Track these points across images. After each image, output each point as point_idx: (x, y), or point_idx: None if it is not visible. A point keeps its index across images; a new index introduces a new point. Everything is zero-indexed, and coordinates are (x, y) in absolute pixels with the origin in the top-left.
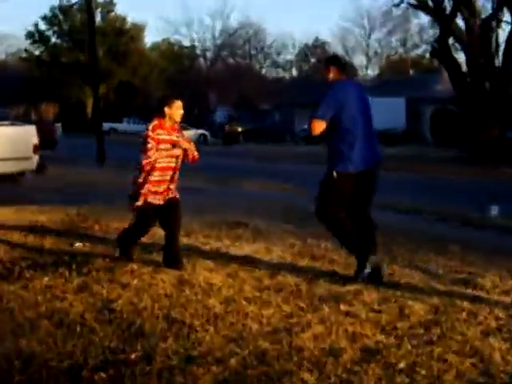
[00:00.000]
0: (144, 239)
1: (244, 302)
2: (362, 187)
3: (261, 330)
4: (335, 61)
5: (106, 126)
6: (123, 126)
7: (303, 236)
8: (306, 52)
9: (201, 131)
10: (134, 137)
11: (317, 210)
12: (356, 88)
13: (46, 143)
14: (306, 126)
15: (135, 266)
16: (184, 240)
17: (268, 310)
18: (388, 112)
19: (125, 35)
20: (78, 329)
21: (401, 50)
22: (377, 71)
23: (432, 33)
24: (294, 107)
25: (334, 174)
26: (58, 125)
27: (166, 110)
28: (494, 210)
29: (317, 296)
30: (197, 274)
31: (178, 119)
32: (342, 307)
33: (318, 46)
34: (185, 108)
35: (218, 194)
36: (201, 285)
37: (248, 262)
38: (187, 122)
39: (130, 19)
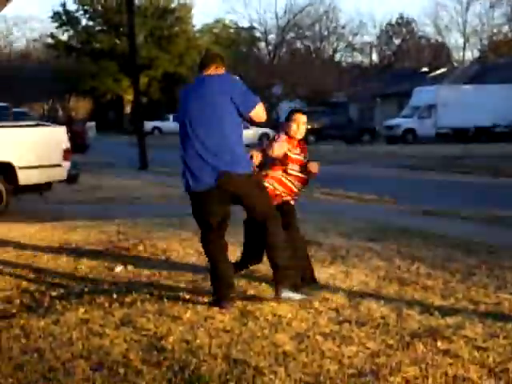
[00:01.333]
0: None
1: (319, 338)
2: (206, 210)
3: (341, 373)
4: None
5: (149, 125)
6: (169, 125)
7: (390, 257)
8: (388, 32)
9: (262, 130)
10: None
11: None
12: (197, 85)
13: (76, 146)
14: (390, 123)
15: (187, 296)
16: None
17: (349, 347)
18: (494, 102)
19: (169, 16)
20: (122, 371)
21: (506, 28)
22: (477, 54)
23: None
24: (374, 99)
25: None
26: (92, 124)
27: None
28: None
29: (408, 331)
30: (262, 304)
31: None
32: (440, 345)
33: (402, 24)
34: None
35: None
36: (267, 317)
37: (323, 289)
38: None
39: None
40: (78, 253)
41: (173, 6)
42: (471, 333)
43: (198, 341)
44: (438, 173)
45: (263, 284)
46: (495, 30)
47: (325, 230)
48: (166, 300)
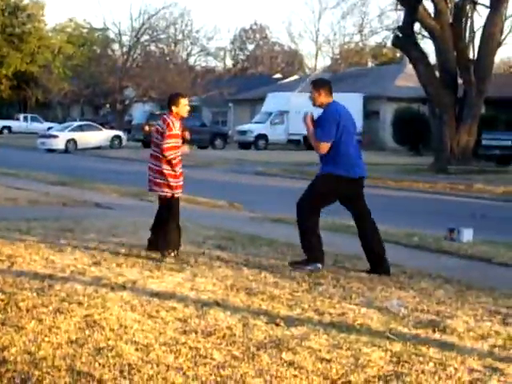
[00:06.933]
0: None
1: (165, 349)
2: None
3: None
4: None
5: None
6: (19, 125)
7: (238, 265)
8: (242, 38)
9: (114, 132)
10: (32, 138)
11: None
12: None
13: None
14: (242, 128)
15: (32, 304)
16: (93, 270)
17: (195, 359)
18: None
19: (21, 13)
20: None
21: (357, 38)
22: (328, 62)
23: (394, 17)
24: (227, 104)
25: None
26: None
27: (174, 108)
28: (467, 235)
29: (254, 342)
30: (108, 312)
31: (185, 115)
32: (285, 356)
33: (256, 30)
34: (95, 105)
35: (133, 210)
36: (113, 327)
37: (171, 297)
38: (97, 121)
39: None
40: None
41: (24, 3)
42: (316, 344)
43: (41, 352)
44: (287, 179)
45: (109, 293)
46: (347, 39)
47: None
48: (9, 309)
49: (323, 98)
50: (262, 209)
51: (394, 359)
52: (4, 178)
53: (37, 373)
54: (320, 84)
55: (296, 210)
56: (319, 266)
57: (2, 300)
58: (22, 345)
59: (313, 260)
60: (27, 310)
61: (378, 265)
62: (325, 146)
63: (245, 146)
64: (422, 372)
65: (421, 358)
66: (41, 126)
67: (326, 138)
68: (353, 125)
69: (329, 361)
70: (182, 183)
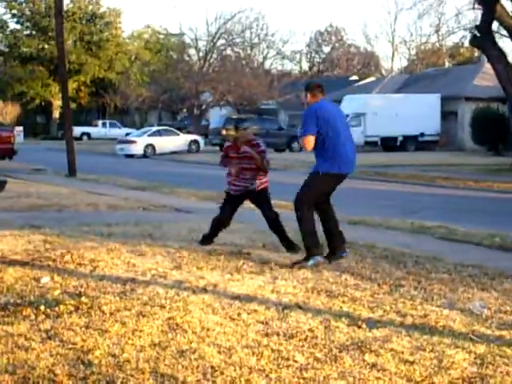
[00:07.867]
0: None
1: (248, 352)
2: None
3: None
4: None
5: (78, 130)
6: (98, 131)
7: (318, 268)
8: (318, 40)
9: (192, 137)
10: (111, 143)
11: None
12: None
13: (2, 152)
14: None
15: (115, 308)
16: (174, 273)
17: (277, 361)
18: (421, 111)
19: (98, 21)
20: None
21: (434, 38)
22: (405, 63)
23: (472, 16)
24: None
25: None
26: (19, 129)
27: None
28: None
29: (336, 344)
30: (190, 315)
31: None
32: (367, 358)
33: (332, 32)
34: (173, 110)
35: (211, 214)
36: (195, 330)
37: (252, 300)
38: (175, 126)
39: (104, 3)
40: (3, 263)
41: (101, 10)
42: (398, 346)
43: (125, 355)
44: (365, 181)
45: (191, 296)
46: (423, 40)
47: (253, 240)
48: (93, 312)
49: (309, 99)
50: (339, 211)
51: (478, 361)
52: (85, 184)
53: (121, 375)
54: (308, 86)
55: (294, 206)
56: (318, 258)
57: (86, 304)
58: (106, 348)
59: (315, 253)
60: (110, 314)
61: (336, 247)
62: (307, 141)
63: None
64: (507, 374)
65: (505, 360)
66: (119, 131)
67: (306, 132)
68: (342, 121)
69: (412, 363)
70: (232, 182)
